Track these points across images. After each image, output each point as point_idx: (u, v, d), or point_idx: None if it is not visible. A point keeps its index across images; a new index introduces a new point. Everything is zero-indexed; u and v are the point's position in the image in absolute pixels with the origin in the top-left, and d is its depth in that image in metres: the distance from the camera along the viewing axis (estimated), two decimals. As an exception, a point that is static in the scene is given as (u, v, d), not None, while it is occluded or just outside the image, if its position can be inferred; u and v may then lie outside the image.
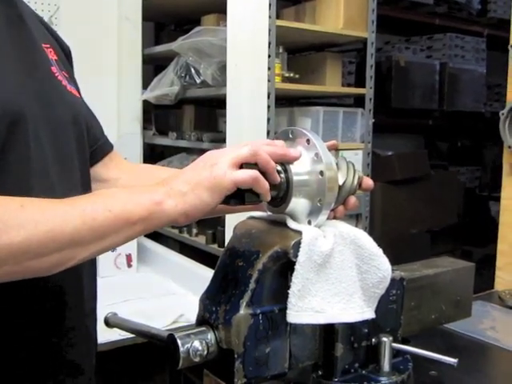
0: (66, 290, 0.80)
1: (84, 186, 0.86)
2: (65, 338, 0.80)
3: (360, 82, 2.81)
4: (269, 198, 0.69)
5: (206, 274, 1.90)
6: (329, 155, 0.72)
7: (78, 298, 0.84)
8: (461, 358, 0.78)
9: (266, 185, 0.67)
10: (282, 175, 0.71)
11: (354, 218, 2.52)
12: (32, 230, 0.60)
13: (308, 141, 0.72)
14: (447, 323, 1.03)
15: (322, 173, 0.71)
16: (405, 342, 0.85)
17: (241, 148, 0.67)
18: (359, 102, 2.68)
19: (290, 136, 0.75)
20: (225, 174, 0.65)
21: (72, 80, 0.92)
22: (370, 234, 0.75)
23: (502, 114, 1.60)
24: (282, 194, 0.72)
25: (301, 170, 0.71)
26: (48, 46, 0.86)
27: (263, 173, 0.68)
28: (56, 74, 0.84)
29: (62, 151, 0.80)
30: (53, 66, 0.84)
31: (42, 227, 0.61)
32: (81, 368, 0.84)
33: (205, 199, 0.66)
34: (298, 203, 0.72)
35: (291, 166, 0.71)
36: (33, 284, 0.71)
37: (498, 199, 1.72)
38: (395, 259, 0.80)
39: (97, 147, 0.96)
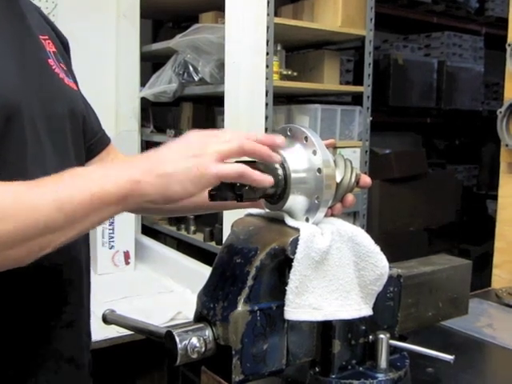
0: (67, 284, 0.80)
1: None
2: (64, 333, 0.80)
3: (358, 80, 2.81)
4: (267, 184, 0.67)
5: (203, 271, 1.90)
6: (326, 152, 0.72)
7: (78, 292, 0.84)
8: (458, 356, 0.79)
9: (254, 175, 0.65)
10: (280, 172, 0.71)
11: (352, 215, 2.52)
12: (5, 220, 0.58)
13: (306, 138, 0.72)
14: (444, 320, 1.04)
15: (319, 170, 0.71)
16: (402, 339, 0.86)
17: (228, 142, 0.65)
18: (357, 99, 2.68)
19: (288, 133, 0.75)
20: (209, 167, 0.63)
21: (70, 73, 0.90)
22: (368, 232, 0.75)
23: (500, 112, 1.61)
24: (279, 191, 0.72)
25: (299, 167, 0.72)
26: (46, 37, 0.85)
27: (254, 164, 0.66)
28: (53, 67, 0.83)
29: (59, 145, 0.80)
30: (50, 58, 0.83)
31: (16, 216, 0.59)
32: (79, 363, 0.84)
33: (186, 187, 0.63)
34: (296, 200, 0.72)
35: (289, 163, 0.71)
36: (33, 279, 0.72)
37: (495, 197, 1.72)
38: (393, 257, 0.80)
39: (94, 141, 0.95)
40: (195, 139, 0.66)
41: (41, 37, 0.84)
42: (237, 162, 0.67)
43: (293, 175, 0.71)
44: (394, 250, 0.96)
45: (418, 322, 0.92)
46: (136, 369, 1.75)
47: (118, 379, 1.70)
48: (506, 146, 1.60)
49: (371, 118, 2.54)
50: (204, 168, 0.63)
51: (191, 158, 0.63)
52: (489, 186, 4.69)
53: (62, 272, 0.78)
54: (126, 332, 1.42)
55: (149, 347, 1.47)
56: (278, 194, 0.72)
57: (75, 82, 0.91)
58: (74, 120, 0.84)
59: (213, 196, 0.68)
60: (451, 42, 4.72)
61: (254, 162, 0.69)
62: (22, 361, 0.75)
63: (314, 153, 0.71)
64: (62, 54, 0.91)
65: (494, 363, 1.19)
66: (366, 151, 2.54)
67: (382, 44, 4.68)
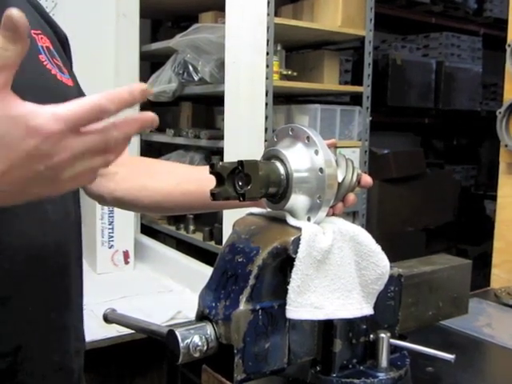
0: (53, 289, 0.78)
1: None
2: (53, 338, 0.78)
3: (357, 80, 2.82)
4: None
5: (203, 270, 1.90)
6: (328, 152, 0.72)
7: (66, 297, 0.81)
8: (457, 355, 0.79)
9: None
10: (282, 171, 0.71)
11: (351, 215, 2.53)
12: None
13: (308, 138, 0.73)
14: (444, 320, 1.04)
15: (321, 170, 0.71)
16: (402, 338, 0.86)
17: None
18: (356, 99, 2.68)
19: (290, 133, 0.75)
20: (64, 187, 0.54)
21: (66, 68, 0.86)
22: (367, 231, 0.75)
23: (499, 112, 1.61)
24: (281, 191, 0.72)
25: (300, 166, 0.72)
26: (39, 32, 0.81)
27: None
28: (45, 63, 0.79)
29: None
30: (41, 54, 0.79)
31: None
32: (70, 368, 0.82)
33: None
34: (298, 200, 0.72)
35: (291, 162, 0.72)
36: (18, 283, 0.70)
37: (493, 198, 1.73)
38: (391, 257, 0.80)
39: None
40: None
41: (32, 31, 0.80)
42: (238, 161, 0.67)
43: (295, 175, 0.71)
44: (392, 249, 0.96)
45: (418, 321, 0.92)
46: (136, 368, 1.75)
47: (117, 379, 1.70)
48: (506, 146, 1.60)
49: (371, 118, 2.54)
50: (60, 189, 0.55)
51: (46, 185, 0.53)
52: (487, 186, 4.70)
53: (48, 276, 0.76)
54: (125, 331, 1.42)
55: (148, 347, 1.47)
56: (279, 194, 0.72)
57: (73, 78, 0.87)
58: None
59: (215, 195, 0.68)
60: (449, 42, 4.74)
61: (256, 161, 0.69)
62: (5, 367, 0.72)
63: (316, 152, 0.71)
64: (58, 48, 0.87)
65: (492, 362, 1.19)
66: (365, 151, 2.55)
67: (380, 44, 4.69)
